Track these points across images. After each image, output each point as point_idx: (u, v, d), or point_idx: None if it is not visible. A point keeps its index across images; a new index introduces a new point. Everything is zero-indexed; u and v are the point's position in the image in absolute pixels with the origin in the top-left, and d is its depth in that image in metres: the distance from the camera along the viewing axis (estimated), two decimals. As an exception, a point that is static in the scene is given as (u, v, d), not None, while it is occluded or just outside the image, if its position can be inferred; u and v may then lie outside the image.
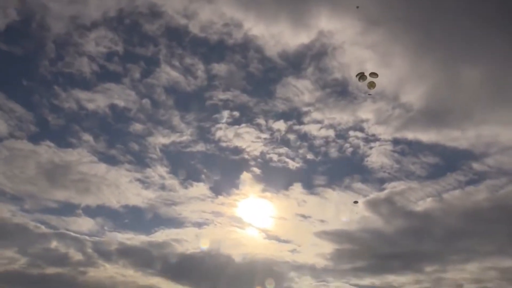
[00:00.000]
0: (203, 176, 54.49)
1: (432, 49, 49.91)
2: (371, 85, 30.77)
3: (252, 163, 53.93)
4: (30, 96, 51.64)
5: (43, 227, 48.44)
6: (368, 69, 49.31)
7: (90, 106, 51.46)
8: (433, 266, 49.57)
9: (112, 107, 52.14)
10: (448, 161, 54.33)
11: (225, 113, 53.28)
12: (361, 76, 30.78)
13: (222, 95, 54.03)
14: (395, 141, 54.37)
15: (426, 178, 53.80)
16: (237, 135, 54.16)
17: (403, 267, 50.85)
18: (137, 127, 53.35)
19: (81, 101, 51.12)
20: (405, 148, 54.82)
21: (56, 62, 50.82)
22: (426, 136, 52.86)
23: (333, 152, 55.15)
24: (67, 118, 51.83)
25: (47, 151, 50.00)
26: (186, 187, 54.09)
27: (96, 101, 51.45)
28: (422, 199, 52.24)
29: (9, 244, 46.52)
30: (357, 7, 35.92)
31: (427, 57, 50.70)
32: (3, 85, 49.97)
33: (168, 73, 52.91)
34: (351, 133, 54.74)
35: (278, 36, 51.97)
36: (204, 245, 52.01)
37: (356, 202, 43.61)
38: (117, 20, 51.12)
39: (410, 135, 53.37)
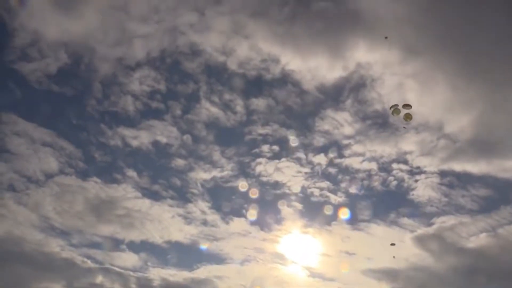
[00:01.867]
0: (244, 211, 54.20)
1: (476, 75, 48.57)
2: (408, 117, 30.04)
3: (293, 197, 53.33)
4: (78, 134, 54.12)
5: (89, 261, 49.33)
6: (409, 99, 48.90)
7: (134, 142, 53.18)
8: (490, 307, 46.17)
9: (155, 143, 53.68)
10: (501, 193, 51.46)
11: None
12: (395, 109, 30.05)
13: (261, 130, 54.60)
14: (442, 173, 52.26)
15: (477, 212, 51.02)
16: (277, 169, 53.97)
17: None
18: (179, 162, 54.26)
19: (125, 138, 52.96)
20: (453, 181, 52.47)
21: (102, 101, 53.27)
22: (475, 167, 50.58)
23: (377, 186, 53.61)
24: (112, 155, 53.67)
25: (94, 186, 51.57)
26: (227, 223, 53.98)
27: (140, 137, 53.17)
28: (474, 234, 49.51)
29: (57, 278, 47.44)
30: (386, 37, 35.63)
31: (471, 83, 49.27)
32: (54, 124, 52.81)
33: (208, 109, 54.24)
34: (395, 165, 53.23)
35: (315, 69, 52.59)
36: (246, 282, 51.21)
37: (393, 244, 40.90)
38: (159, 59, 53.44)
39: (457, 166, 51.34)
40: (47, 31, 49.15)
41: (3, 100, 49.94)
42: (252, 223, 53.23)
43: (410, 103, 29.69)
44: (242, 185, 53.34)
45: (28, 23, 48.08)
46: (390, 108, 30.06)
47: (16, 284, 45.57)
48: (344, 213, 52.81)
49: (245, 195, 53.88)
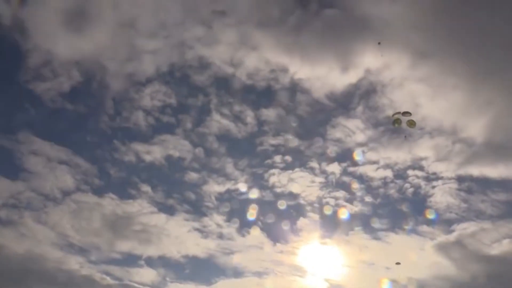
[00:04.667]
0: (259, 223, 53.78)
1: (489, 77, 47.38)
2: (411, 123, 29.46)
3: (309, 208, 52.78)
4: (93, 150, 54.47)
5: (108, 278, 49.40)
6: (421, 103, 48.26)
7: (148, 157, 53.41)
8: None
9: (168, 157, 53.85)
10: (523, 197, 49.71)
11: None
12: (396, 120, 29.56)
13: (273, 140, 54.36)
14: (460, 179, 51.07)
15: (499, 218, 49.52)
16: (291, 180, 53.59)
17: (483, 318, 45.99)
18: (192, 176, 54.33)
19: (139, 153, 53.23)
20: (471, 186, 51.20)
21: (115, 117, 53.82)
22: (494, 171, 49.16)
23: (393, 194, 52.73)
24: (127, 170, 53.98)
25: (110, 203, 52.04)
26: (243, 235, 53.68)
27: (153, 152, 53.39)
28: (497, 241, 48.07)
29: (78, 296, 47.80)
30: (379, 43, 35.13)
31: (485, 85, 48.12)
32: (69, 141, 53.41)
33: (218, 121, 54.19)
34: (410, 172, 52.25)
35: (324, 77, 52.20)
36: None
37: (398, 263, 39.34)
38: (169, 74, 53.87)
39: (475, 171, 50.11)
40: (59, 51, 50.15)
41: (19, 120, 51.24)
42: (269, 235, 52.89)
43: (410, 111, 29.26)
44: (256, 196, 53.11)
45: (41, 43, 49.16)
46: (393, 120, 29.49)
47: (39, 303, 46.09)
48: (361, 223, 52.26)
49: (259, 207, 53.61)
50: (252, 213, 54.00)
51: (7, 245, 47.08)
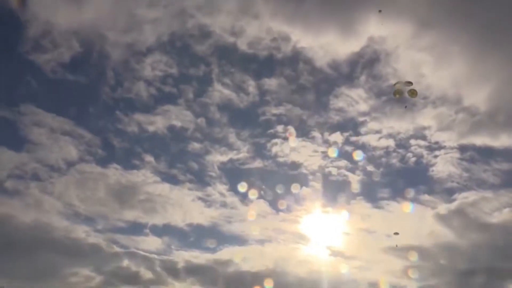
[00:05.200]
0: (262, 192, 54.25)
1: (494, 45, 46.82)
2: (413, 93, 29.15)
3: (311, 177, 53.31)
4: (95, 121, 54.89)
5: (115, 246, 50.52)
6: (425, 72, 47.62)
7: (151, 128, 53.81)
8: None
9: (171, 128, 54.13)
10: (525, 167, 49.71)
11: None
12: (397, 91, 29.24)
13: (275, 110, 54.33)
14: (462, 148, 51.36)
15: (500, 187, 50.20)
16: (293, 149, 53.83)
17: (483, 285, 46.74)
18: (195, 146, 54.72)
19: (142, 124, 53.56)
20: (473, 155, 51.53)
21: (116, 88, 53.90)
22: (497, 140, 49.43)
23: (395, 163, 53.04)
24: (130, 141, 54.46)
25: (114, 173, 52.61)
26: (246, 204, 54.38)
27: (156, 123, 53.75)
28: (497, 209, 48.67)
29: (86, 263, 48.93)
30: (380, 11, 34.44)
31: (490, 54, 47.55)
32: (71, 112, 53.32)
33: (220, 91, 54.30)
34: (413, 141, 52.59)
35: (327, 46, 51.74)
36: (269, 262, 51.67)
37: (397, 233, 39.75)
38: (169, 44, 53.39)
39: (478, 140, 50.35)
40: (58, 21, 49.69)
41: (20, 92, 51.49)
42: (271, 204, 53.51)
43: (412, 81, 28.95)
44: (258, 166, 53.74)
45: (40, 14, 48.63)
46: (394, 90, 29.21)
47: (49, 270, 47.36)
48: (363, 192, 52.69)
49: (262, 177, 54.36)
50: (254, 183, 54.87)
51: (15, 215, 48.25)
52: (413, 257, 48.19)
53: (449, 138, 51.37)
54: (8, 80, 50.37)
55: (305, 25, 51.48)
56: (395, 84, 29.28)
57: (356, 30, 50.10)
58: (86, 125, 52.77)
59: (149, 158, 53.65)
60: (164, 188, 53.56)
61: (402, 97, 29.06)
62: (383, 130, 52.65)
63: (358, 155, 52.33)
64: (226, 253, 52.73)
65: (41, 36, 49.32)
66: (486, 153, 50.90)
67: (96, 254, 49.55)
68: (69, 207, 50.15)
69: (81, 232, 49.99)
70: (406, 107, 31.55)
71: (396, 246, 41.62)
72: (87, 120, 54.55)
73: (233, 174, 55.03)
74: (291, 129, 53.82)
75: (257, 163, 54.23)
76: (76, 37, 50.48)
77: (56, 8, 49.17)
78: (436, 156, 51.79)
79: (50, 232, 49.35)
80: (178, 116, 53.89)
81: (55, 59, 50.17)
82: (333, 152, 52.90)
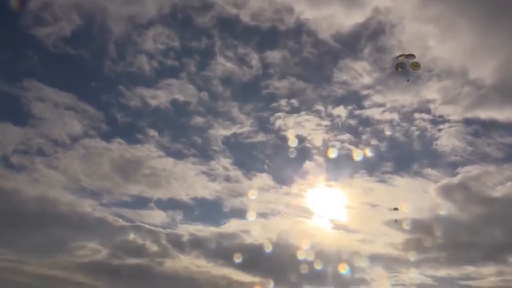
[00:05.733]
0: (265, 166, 54.66)
1: (502, 17, 45.50)
2: (415, 66, 28.69)
3: (315, 151, 53.16)
4: (98, 96, 54.67)
5: (120, 220, 51.18)
6: (430, 45, 46.88)
7: (153, 102, 53.48)
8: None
9: (173, 101, 53.77)
10: (529, 141, 49.48)
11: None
12: (399, 65, 28.78)
13: (278, 83, 53.82)
14: (467, 122, 50.98)
15: (504, 161, 50.13)
16: (297, 123, 53.58)
17: (484, 258, 47.80)
18: (198, 120, 54.56)
19: (144, 98, 53.24)
20: (478, 129, 51.17)
21: (118, 62, 53.17)
22: (502, 114, 48.75)
23: (399, 137, 52.84)
24: (133, 116, 54.30)
25: (118, 148, 52.83)
26: (250, 178, 54.71)
27: (159, 97, 53.35)
28: (501, 183, 48.72)
29: (92, 237, 49.98)
30: None
31: (496, 26, 46.30)
32: (74, 87, 52.71)
33: (223, 64, 53.50)
34: (417, 115, 52.17)
35: (331, 17, 50.57)
36: (272, 235, 52.37)
37: (396, 209, 39.25)
38: (171, 16, 52.39)
39: (483, 114, 49.75)
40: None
41: (23, 67, 50.83)
42: (275, 178, 53.83)
43: (414, 53, 28.50)
44: (262, 140, 53.65)
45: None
46: (396, 64, 28.79)
47: (56, 244, 48.32)
48: (366, 165, 52.77)
49: (266, 150, 54.48)
50: (258, 157, 55.02)
51: (21, 189, 48.73)
52: (415, 230, 48.96)
53: (453, 112, 51.08)
54: (10, 55, 50.13)
55: (309, -4, 50.34)
56: (397, 57, 28.84)
57: (361, 0, 49.25)
58: (89, 99, 52.68)
59: (152, 132, 53.76)
60: (168, 162, 53.92)
61: (404, 70, 28.66)
62: (387, 104, 52.27)
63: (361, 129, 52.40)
64: (230, 226, 53.61)
65: (41, 9, 48.65)
66: (491, 127, 50.74)
67: (102, 227, 50.56)
68: (74, 181, 50.74)
69: (87, 206, 50.75)
70: (408, 80, 31.06)
71: (396, 221, 41.72)
72: (90, 95, 54.57)
73: (236, 148, 55.25)
74: (295, 103, 53.56)
75: (260, 137, 54.25)
76: (76, 10, 49.75)
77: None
78: (440, 130, 51.69)
79: (57, 206, 50.18)
80: (180, 90, 53.55)
81: (56, 33, 49.45)
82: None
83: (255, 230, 52.79)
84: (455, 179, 50.36)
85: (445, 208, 49.45)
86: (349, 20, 50.24)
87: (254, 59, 53.51)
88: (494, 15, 45.83)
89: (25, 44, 50.31)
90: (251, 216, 53.18)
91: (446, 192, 49.94)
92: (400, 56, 28.91)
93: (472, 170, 50.08)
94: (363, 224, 53.02)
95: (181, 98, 53.53)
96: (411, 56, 28.46)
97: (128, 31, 52.06)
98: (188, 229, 52.61)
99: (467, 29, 47.07)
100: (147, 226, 51.75)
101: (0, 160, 47.91)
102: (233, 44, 53.80)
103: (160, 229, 51.74)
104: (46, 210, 49.38)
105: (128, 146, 53.09)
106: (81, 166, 51.53)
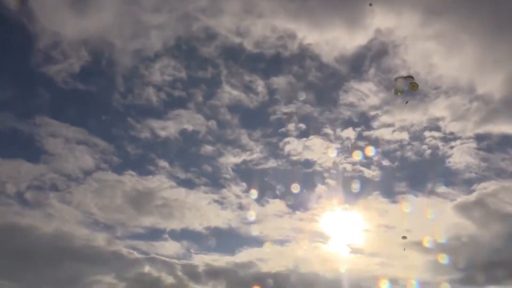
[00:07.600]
0: (277, 192, 54.14)
1: (505, 30, 45.42)
2: (413, 86, 28.57)
3: (326, 174, 52.91)
4: (109, 129, 55.40)
5: (135, 252, 50.87)
6: (435, 62, 46.77)
7: (163, 133, 54.01)
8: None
9: (182, 132, 54.26)
10: (544, 153, 48.38)
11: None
12: (397, 89, 28.69)
13: (286, 109, 54.00)
14: (478, 137, 50.21)
15: (520, 175, 48.38)
16: (306, 147, 53.49)
17: (508, 277, 45.52)
18: (208, 149, 54.80)
19: (154, 129, 53.78)
20: (491, 144, 50.34)
21: (126, 95, 54.09)
22: (514, 128, 47.70)
23: (411, 156, 52.18)
24: (144, 147, 54.73)
25: (130, 180, 53.00)
26: (262, 205, 54.25)
27: (168, 128, 53.91)
28: (519, 199, 47.00)
29: (108, 270, 49.38)
30: (370, 4, 34.03)
31: (500, 40, 46.27)
32: (84, 122, 54.42)
33: (229, 93, 54.09)
34: (427, 133, 51.60)
35: (333, 40, 50.94)
36: (289, 262, 51.32)
37: (404, 237, 38.54)
38: (176, 48, 53.35)
39: (494, 129, 49.14)
40: (66, 32, 50.30)
41: (34, 104, 52.02)
42: (288, 204, 53.32)
43: (412, 75, 28.42)
44: (272, 166, 53.43)
45: (48, 26, 49.20)
46: (394, 89, 28.64)
47: (72, 279, 47.92)
48: (380, 187, 51.95)
49: (277, 176, 54.22)
50: (269, 183, 54.69)
51: (36, 225, 49.05)
52: (435, 251, 47.53)
53: (464, 128, 50.47)
54: (22, 93, 51.55)
55: (310, 21, 50.83)
56: (395, 79, 28.73)
57: (362, 23, 49.41)
58: (99, 133, 53.37)
59: (163, 163, 54.06)
60: (180, 192, 53.94)
61: (403, 93, 28.52)
62: (395, 123, 52.06)
63: (371, 150, 51.79)
64: (245, 255, 52.73)
65: (51, 48, 50.06)
66: (504, 142, 50.02)
67: (117, 261, 50.23)
68: (88, 215, 50.91)
69: (102, 240, 50.73)
70: (407, 102, 30.76)
71: (404, 249, 41.16)
72: (101, 128, 55.12)
73: (247, 175, 55.00)
74: (303, 127, 53.52)
75: (271, 163, 54.13)
76: (84, 46, 51.04)
77: (64, 19, 49.75)
78: (452, 147, 50.97)
79: (71, 241, 50.12)
80: (189, 120, 54.09)
81: (65, 69, 50.74)
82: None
83: (271, 257, 52.12)
84: (472, 196, 49.42)
85: (464, 227, 48.30)
86: (352, 42, 50.71)
87: (260, 85, 54.09)
88: (496, 29, 45.93)
89: (36, 82, 51.81)
90: (266, 243, 52.65)
91: (464, 210, 48.89)
92: (398, 78, 28.78)
93: (488, 186, 49.12)
94: (381, 247, 51.86)
95: (189, 127, 54.10)
96: (410, 77, 28.36)
97: (135, 64, 53.28)
98: (203, 259, 52.08)
99: (470, 45, 47.18)
100: (161, 257, 51.39)
101: (14, 196, 48.64)
102: (238, 72, 54.57)
103: (175, 260, 51.36)
104: (61, 245, 49.49)
105: (140, 177, 53.43)
106: (94, 200, 51.89)
